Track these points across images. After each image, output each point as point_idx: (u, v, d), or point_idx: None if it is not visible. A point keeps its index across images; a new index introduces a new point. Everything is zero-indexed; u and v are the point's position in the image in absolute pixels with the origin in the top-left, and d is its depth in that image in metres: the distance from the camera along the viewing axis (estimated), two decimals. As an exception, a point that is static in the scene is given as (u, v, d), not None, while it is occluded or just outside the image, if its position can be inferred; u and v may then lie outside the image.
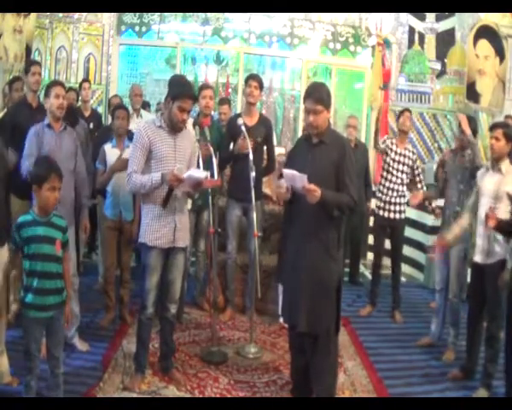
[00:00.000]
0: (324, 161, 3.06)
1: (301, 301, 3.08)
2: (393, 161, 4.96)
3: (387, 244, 5.24)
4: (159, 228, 3.30)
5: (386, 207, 4.98)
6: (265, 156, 4.73)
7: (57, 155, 3.57)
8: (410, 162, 4.96)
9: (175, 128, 3.30)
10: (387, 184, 4.98)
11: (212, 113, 7.21)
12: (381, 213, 5.02)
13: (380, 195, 5.05)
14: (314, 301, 3.05)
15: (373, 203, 5.43)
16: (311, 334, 3.09)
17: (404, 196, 5.00)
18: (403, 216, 5.03)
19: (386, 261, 5.42)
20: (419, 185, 5.03)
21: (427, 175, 6.66)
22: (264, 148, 4.66)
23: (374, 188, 6.21)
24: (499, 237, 3.57)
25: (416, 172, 5.00)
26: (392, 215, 4.97)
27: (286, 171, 3.02)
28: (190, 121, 4.31)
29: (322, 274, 3.05)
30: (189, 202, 4.29)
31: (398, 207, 4.97)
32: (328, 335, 3.09)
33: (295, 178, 2.95)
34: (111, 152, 4.26)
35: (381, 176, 5.08)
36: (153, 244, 3.30)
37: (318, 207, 2.96)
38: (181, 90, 3.24)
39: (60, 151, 3.65)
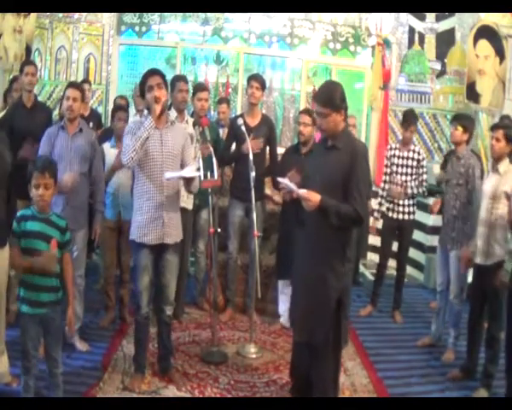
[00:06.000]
0: (334, 167, 2.90)
1: (297, 310, 3.04)
2: (397, 165, 4.95)
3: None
4: (146, 224, 3.30)
5: (395, 208, 4.95)
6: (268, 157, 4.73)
7: (67, 158, 3.58)
8: (415, 163, 4.91)
9: (156, 112, 3.26)
10: (394, 187, 4.95)
11: (212, 112, 7.26)
12: (389, 214, 5.00)
13: (388, 198, 5.02)
14: (307, 313, 2.96)
15: (379, 205, 5.37)
16: (308, 343, 3.03)
17: (412, 198, 4.95)
18: (411, 217, 4.98)
19: (389, 262, 5.40)
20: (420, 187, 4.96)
21: (427, 175, 6.64)
22: (267, 148, 4.65)
23: (374, 188, 6.20)
24: (498, 237, 3.57)
25: (420, 170, 4.90)
26: (400, 216, 4.94)
27: (280, 180, 3.01)
28: (191, 121, 4.31)
29: (318, 287, 2.91)
30: (190, 202, 4.30)
31: (406, 209, 4.93)
32: (326, 347, 2.94)
33: (289, 187, 2.92)
34: (110, 152, 4.26)
35: (386, 181, 5.05)
36: (140, 241, 3.30)
37: (320, 216, 2.83)
38: (142, 81, 3.36)
39: (70, 153, 3.64)
